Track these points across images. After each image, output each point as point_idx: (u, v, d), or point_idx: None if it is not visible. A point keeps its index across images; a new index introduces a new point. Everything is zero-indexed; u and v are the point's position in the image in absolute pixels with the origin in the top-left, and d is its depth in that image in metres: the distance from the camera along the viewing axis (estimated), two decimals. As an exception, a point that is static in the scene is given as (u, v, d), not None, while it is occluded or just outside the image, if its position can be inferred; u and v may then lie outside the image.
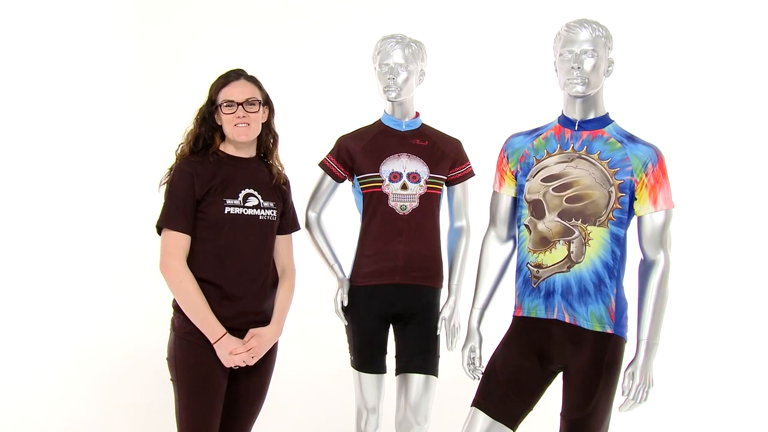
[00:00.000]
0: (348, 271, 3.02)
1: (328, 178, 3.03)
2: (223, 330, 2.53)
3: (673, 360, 4.02)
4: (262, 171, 2.69)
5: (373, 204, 2.93)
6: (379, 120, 3.04)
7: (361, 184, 2.97)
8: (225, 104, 2.59)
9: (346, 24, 4.58)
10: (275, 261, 2.71)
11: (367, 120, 3.09)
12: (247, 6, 4.66)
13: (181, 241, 2.53)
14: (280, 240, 2.73)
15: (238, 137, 2.60)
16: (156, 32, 4.68)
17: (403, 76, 2.89)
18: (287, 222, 2.75)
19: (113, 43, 4.76)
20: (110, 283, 4.66)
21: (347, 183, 3.08)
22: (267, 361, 2.67)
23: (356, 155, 2.97)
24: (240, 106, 2.58)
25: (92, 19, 4.70)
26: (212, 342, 2.53)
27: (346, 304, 2.96)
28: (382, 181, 2.91)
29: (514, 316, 2.56)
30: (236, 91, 2.60)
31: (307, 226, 3.05)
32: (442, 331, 2.96)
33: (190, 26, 4.66)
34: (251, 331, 2.60)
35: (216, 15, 4.64)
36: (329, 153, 3.05)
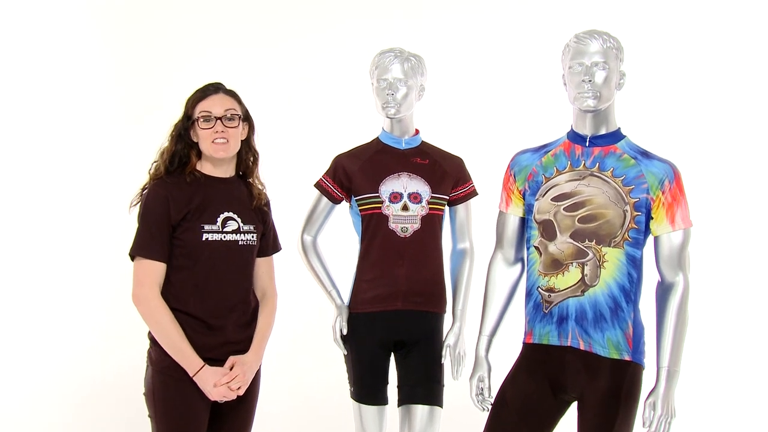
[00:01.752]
0: (347, 298, 2.91)
1: (324, 200, 2.93)
2: (201, 362, 2.42)
3: (696, 389, 3.87)
4: (242, 191, 2.58)
5: (373, 226, 2.83)
6: (377, 138, 2.94)
7: (359, 205, 2.87)
8: (202, 118, 2.48)
9: (341, 35, 4.40)
10: (255, 285, 2.61)
11: (363, 138, 2.98)
12: (232, 13, 4.47)
13: (156, 270, 2.42)
14: (260, 263, 2.63)
15: (216, 153, 2.49)
16: (133, 43, 4.44)
17: (403, 92, 2.79)
18: (267, 244, 2.65)
19: (84, 51, 4.48)
20: (82, 311, 4.37)
21: (344, 204, 2.97)
22: (251, 392, 2.56)
23: (354, 175, 2.87)
24: (218, 121, 2.47)
25: (64, 23, 4.46)
26: (191, 375, 2.41)
27: (345, 332, 2.85)
28: (381, 202, 2.81)
29: (524, 343, 2.46)
30: (214, 105, 2.49)
31: (303, 250, 2.95)
32: (446, 359, 2.86)
33: (169, 36, 4.44)
34: (231, 358, 2.48)
35: (197, 25, 4.43)
36: (325, 173, 2.95)
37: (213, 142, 2.46)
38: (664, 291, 2.36)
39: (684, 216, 2.34)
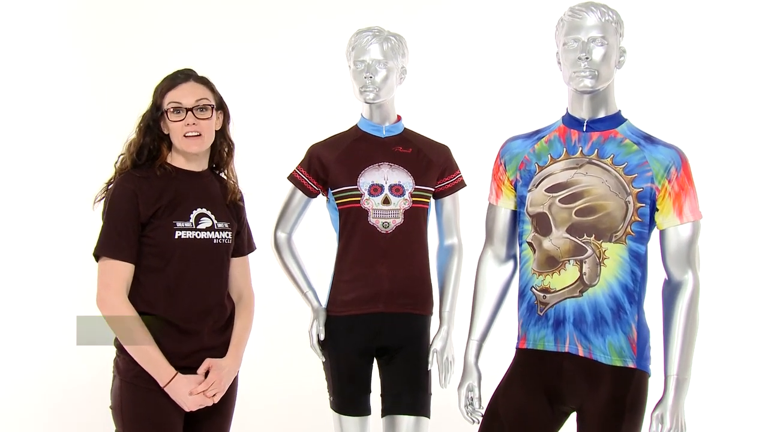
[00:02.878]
0: (324, 300, 2.74)
1: (299, 193, 2.76)
2: (173, 371, 2.27)
3: (708, 399, 3.65)
4: (215, 186, 2.45)
5: (351, 221, 2.66)
6: (356, 125, 2.77)
7: (336, 199, 2.70)
8: (171, 110, 2.32)
9: (317, 15, 4.16)
10: (230, 287, 2.47)
11: (341, 126, 2.80)
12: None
13: (122, 271, 2.27)
14: (236, 263, 2.49)
15: (188, 148, 2.35)
16: (101, 29, 4.25)
17: (382, 74, 2.62)
18: (242, 242, 2.52)
19: (58, 45, 4.27)
20: (44, 316, 4.14)
21: (321, 198, 2.80)
22: (228, 400, 2.42)
23: (330, 166, 2.70)
24: (189, 112, 2.32)
25: (39, 19, 4.27)
26: (162, 386, 2.26)
27: (322, 337, 2.69)
28: (360, 195, 2.64)
29: (517, 349, 2.31)
30: (184, 94, 2.33)
31: (276, 248, 2.79)
32: (433, 366, 2.70)
33: (141, 23, 4.24)
34: (207, 361, 2.33)
35: (172, 15, 4.24)
36: (299, 164, 2.77)
37: (185, 136, 2.32)
38: (671, 291, 2.20)
39: (693, 207, 2.18)
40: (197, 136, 2.32)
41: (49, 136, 4.23)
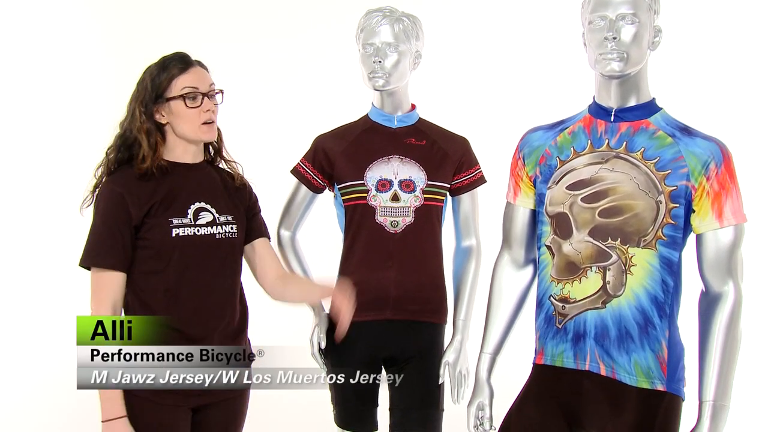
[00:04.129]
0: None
1: (303, 188, 2.58)
2: (122, 411, 2.09)
3: (749, 430, 3.35)
4: (214, 177, 2.28)
5: (357, 220, 2.47)
6: (366, 115, 2.58)
7: (342, 194, 2.51)
8: (188, 97, 2.16)
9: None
10: (266, 272, 2.32)
11: (353, 116, 2.62)
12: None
13: (113, 282, 2.12)
14: (258, 246, 2.32)
15: (204, 136, 2.20)
16: (113, 34, 4.22)
17: (393, 59, 2.42)
18: (259, 224, 2.35)
19: (75, 48, 4.25)
20: (44, 316, 4.08)
21: (327, 194, 2.61)
22: (240, 399, 2.27)
23: (336, 159, 2.51)
24: (205, 98, 2.17)
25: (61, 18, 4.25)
26: (102, 419, 2.08)
27: (323, 345, 2.50)
28: (367, 191, 2.45)
29: (534, 364, 2.11)
30: (199, 79, 2.18)
31: (280, 247, 2.61)
32: (445, 379, 2.50)
33: (148, 23, 4.17)
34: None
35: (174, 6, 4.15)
36: (303, 157, 2.59)
37: (203, 123, 2.17)
38: (709, 303, 1.96)
39: (735, 209, 1.93)
40: (212, 123, 2.20)
41: (60, 137, 4.22)
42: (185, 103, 2.14)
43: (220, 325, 2.19)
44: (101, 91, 4.27)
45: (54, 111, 4.20)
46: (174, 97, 2.15)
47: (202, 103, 2.15)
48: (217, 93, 2.19)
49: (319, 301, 2.44)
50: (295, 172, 2.57)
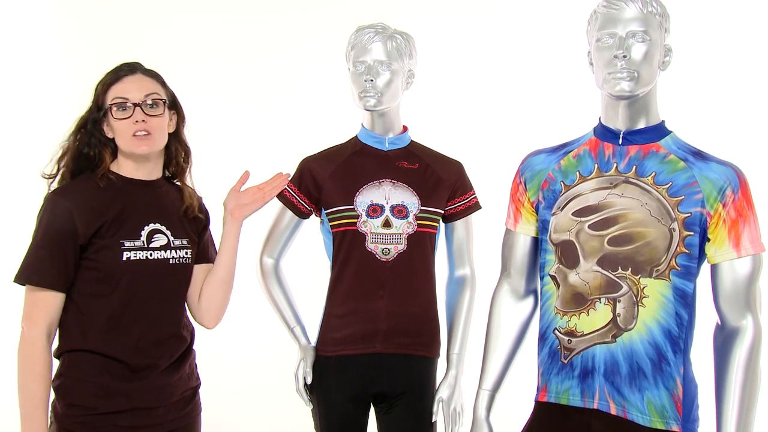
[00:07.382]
0: (314, 337, 2.44)
1: (289, 213, 2.46)
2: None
3: None
4: (171, 197, 2.18)
5: (346, 247, 2.37)
6: (355, 137, 2.49)
7: (330, 220, 2.40)
8: (116, 106, 2.06)
9: (313, 9, 3.85)
10: (195, 298, 2.22)
11: (339, 137, 2.53)
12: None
13: (48, 302, 2.01)
14: (201, 271, 2.24)
15: (137, 149, 2.07)
16: (93, 41, 4.01)
17: (385, 78, 2.34)
18: (206, 249, 2.27)
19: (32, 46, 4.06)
20: None
21: (314, 220, 2.51)
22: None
23: (324, 183, 2.41)
24: (137, 108, 2.05)
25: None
26: None
27: (309, 381, 2.38)
28: (357, 217, 2.35)
29: (536, 402, 2.04)
30: (130, 88, 2.08)
31: (262, 275, 2.50)
32: (439, 417, 2.39)
33: (132, 31, 3.96)
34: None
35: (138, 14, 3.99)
36: (289, 181, 2.48)
37: (133, 135, 2.05)
38: (726, 338, 1.89)
39: (753, 238, 1.86)
40: (147, 135, 2.05)
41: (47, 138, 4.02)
42: (113, 113, 2.06)
43: (167, 352, 2.10)
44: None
45: (13, 116, 4.03)
46: (108, 108, 2.07)
47: (133, 113, 2.05)
48: (151, 104, 2.06)
49: (235, 239, 2.28)
50: (281, 196, 2.46)
